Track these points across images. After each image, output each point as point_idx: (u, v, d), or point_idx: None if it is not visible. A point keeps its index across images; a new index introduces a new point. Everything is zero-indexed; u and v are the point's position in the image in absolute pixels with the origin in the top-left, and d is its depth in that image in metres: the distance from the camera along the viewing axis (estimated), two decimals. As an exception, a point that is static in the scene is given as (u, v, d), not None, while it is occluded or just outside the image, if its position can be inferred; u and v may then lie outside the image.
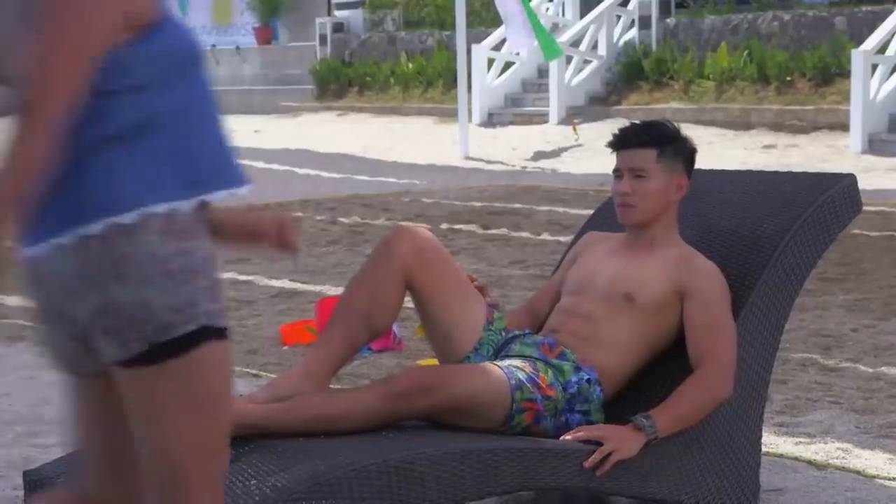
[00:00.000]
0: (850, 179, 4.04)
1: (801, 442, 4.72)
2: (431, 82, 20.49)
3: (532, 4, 19.14)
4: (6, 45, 2.30)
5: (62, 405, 5.36)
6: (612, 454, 3.45)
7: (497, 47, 19.10)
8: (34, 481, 3.41)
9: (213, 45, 25.21)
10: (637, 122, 3.96)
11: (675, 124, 3.95)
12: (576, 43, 18.33)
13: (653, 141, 3.84)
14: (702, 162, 4.11)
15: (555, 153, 16.43)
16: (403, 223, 3.76)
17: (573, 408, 3.65)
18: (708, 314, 3.67)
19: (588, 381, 3.68)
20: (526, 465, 3.35)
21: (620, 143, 3.86)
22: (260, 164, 16.40)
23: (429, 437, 3.37)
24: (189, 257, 2.31)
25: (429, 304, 3.72)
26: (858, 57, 14.66)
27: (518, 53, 18.72)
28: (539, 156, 16.27)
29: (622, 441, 3.48)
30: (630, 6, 18.91)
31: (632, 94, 17.98)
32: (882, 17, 15.79)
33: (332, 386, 3.64)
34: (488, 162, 15.89)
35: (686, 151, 3.89)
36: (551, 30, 19.74)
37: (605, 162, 15.56)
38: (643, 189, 3.82)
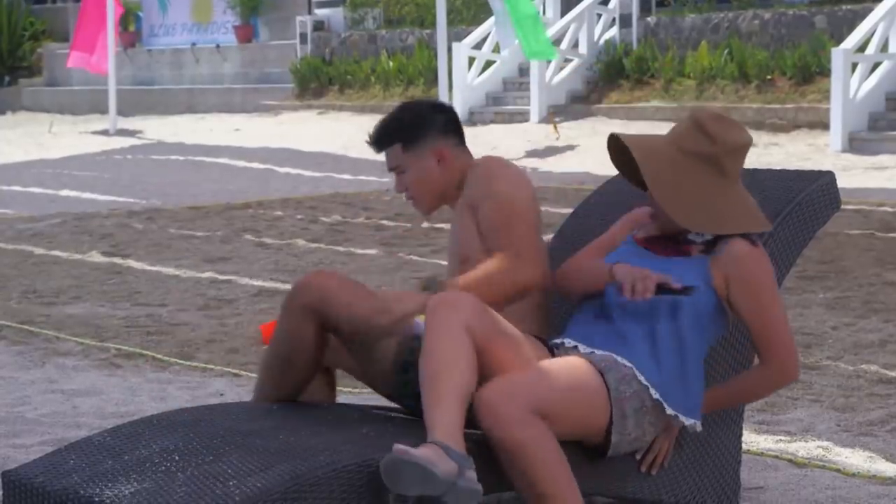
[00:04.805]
0: (828, 177, 4.04)
1: (781, 440, 4.73)
2: (412, 81, 20.48)
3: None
4: None
5: (41, 405, 5.34)
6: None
7: (478, 45, 19.10)
8: (13, 482, 3.39)
9: (194, 44, 25.16)
10: (381, 120, 3.94)
11: (425, 100, 3.99)
12: (557, 41, 18.34)
13: (391, 139, 3.88)
14: (682, 160, 4.11)
15: (536, 152, 16.44)
16: (304, 278, 3.78)
17: None
18: None
19: None
20: (506, 465, 3.34)
21: (374, 147, 3.93)
22: (240, 163, 16.37)
23: (409, 436, 3.36)
24: None
25: (348, 336, 3.72)
26: (838, 55, 14.70)
27: (497, 52, 18.75)
28: (520, 154, 16.27)
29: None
30: (611, 5, 18.94)
31: (612, 93, 18.00)
32: (862, 16, 15.85)
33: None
34: (469, 160, 15.87)
35: (434, 124, 3.86)
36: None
37: (586, 161, 15.60)
38: (406, 182, 3.88)
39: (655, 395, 3.45)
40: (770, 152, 14.89)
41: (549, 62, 18.07)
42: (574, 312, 3.71)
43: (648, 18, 18.69)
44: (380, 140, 3.90)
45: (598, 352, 3.48)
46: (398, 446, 3.10)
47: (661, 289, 3.45)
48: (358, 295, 3.66)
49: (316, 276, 3.72)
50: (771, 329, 3.56)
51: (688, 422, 3.52)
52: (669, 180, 3.56)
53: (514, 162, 17.56)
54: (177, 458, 3.28)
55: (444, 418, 3.20)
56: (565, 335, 3.61)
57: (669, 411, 3.47)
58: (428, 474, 3.06)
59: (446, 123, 3.89)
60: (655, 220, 3.71)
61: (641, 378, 3.44)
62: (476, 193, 3.78)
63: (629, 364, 3.45)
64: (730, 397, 3.66)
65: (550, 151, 16.35)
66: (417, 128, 3.85)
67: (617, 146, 3.71)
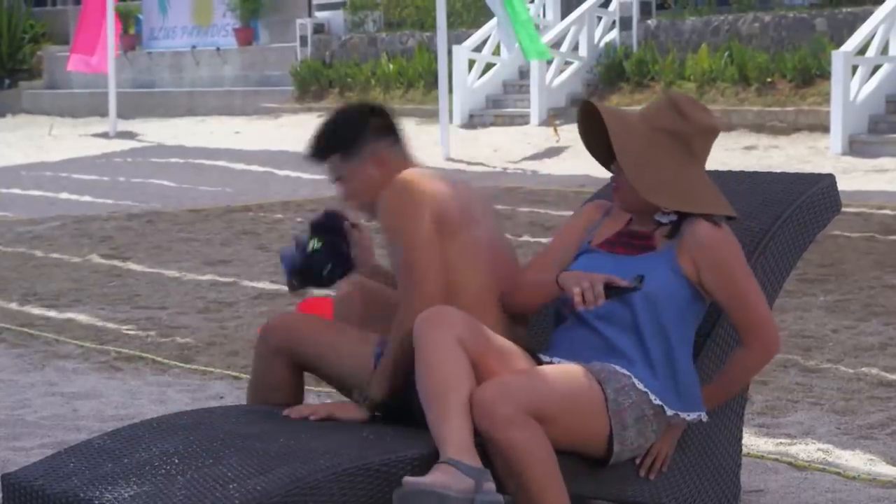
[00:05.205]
0: (828, 179, 4.04)
1: (781, 443, 4.73)
2: (412, 83, 20.48)
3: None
4: None
5: (41, 408, 5.34)
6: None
7: (478, 48, 19.10)
8: (12, 485, 3.39)
9: (194, 46, 25.16)
10: (315, 131, 3.87)
11: (357, 105, 3.91)
12: (557, 44, 18.35)
13: (328, 150, 3.83)
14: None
15: (536, 155, 16.43)
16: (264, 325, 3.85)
17: None
18: None
19: None
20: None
21: (312, 160, 3.88)
22: (240, 166, 16.37)
23: (409, 440, 3.36)
24: None
25: (320, 371, 3.80)
26: (839, 58, 14.70)
27: (497, 54, 18.75)
28: (520, 157, 16.27)
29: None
30: (611, 7, 18.93)
31: (613, 96, 17.99)
32: (862, 18, 15.84)
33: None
34: (469, 163, 15.89)
35: (368, 129, 3.80)
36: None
37: (587, 163, 15.56)
38: (349, 191, 3.84)
39: (656, 401, 3.44)
40: (770, 155, 14.89)
41: (549, 65, 18.07)
42: (554, 325, 3.67)
43: (649, 21, 18.68)
44: (317, 153, 3.85)
45: (596, 363, 3.46)
46: (407, 479, 3.09)
47: (610, 289, 3.41)
48: (322, 330, 3.76)
49: (282, 319, 3.83)
50: (748, 308, 3.54)
51: (691, 416, 3.51)
52: (638, 152, 3.55)
53: (515, 165, 17.32)
54: (176, 461, 3.28)
55: (455, 435, 3.19)
56: (552, 352, 3.57)
57: (670, 412, 3.46)
58: (443, 499, 3.05)
59: (381, 126, 3.83)
60: (618, 200, 3.66)
61: (640, 385, 3.43)
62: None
63: (627, 373, 3.44)
64: (720, 390, 3.63)
65: (550, 154, 16.35)
66: (353, 135, 3.80)
67: (588, 116, 3.67)
